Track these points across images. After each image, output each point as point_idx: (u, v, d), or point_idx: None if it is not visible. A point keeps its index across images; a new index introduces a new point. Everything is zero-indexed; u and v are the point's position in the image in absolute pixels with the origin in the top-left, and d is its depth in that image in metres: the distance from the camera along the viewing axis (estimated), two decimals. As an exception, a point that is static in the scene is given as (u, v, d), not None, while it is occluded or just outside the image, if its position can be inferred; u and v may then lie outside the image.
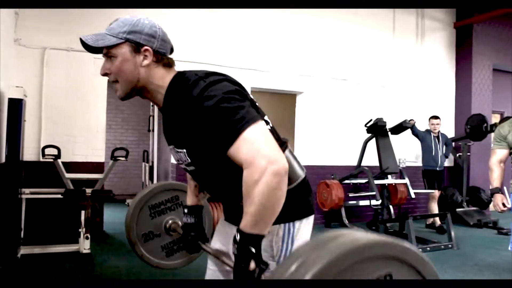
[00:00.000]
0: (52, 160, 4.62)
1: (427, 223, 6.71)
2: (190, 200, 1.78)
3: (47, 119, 5.22)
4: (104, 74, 1.42)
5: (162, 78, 1.41)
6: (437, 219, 6.41)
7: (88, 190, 4.44)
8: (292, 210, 1.45)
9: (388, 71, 7.35)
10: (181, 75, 1.41)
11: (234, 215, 1.56)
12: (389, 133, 6.33)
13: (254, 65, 6.28)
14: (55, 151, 4.63)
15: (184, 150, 1.42)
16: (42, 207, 4.94)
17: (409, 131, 6.48)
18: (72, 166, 5.09)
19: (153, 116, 8.35)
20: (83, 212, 4.72)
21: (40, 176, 5.03)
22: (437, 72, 7.89)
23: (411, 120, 6.35)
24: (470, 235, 6.24)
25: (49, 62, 5.22)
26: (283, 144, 1.47)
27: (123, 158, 4.81)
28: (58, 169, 4.68)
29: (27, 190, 4.60)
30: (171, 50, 1.46)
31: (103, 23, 5.39)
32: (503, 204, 3.50)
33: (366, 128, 6.31)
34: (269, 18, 6.35)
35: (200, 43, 5.99)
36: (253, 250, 1.22)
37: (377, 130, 6.21)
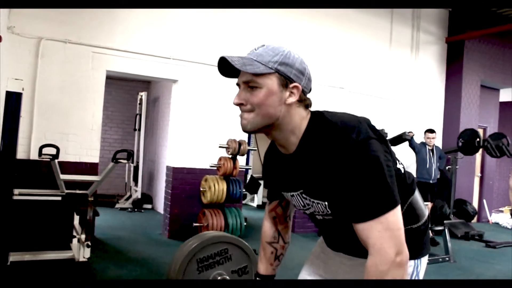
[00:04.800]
0: (49, 160, 4.28)
1: (417, 234, 6.76)
2: (263, 268, 1.61)
3: (40, 114, 4.87)
4: (239, 104, 1.25)
5: (301, 119, 1.27)
6: (429, 231, 6.46)
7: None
8: (420, 247, 1.44)
9: (384, 82, 7.39)
10: (323, 118, 1.27)
11: (344, 247, 1.48)
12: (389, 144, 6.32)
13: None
14: (53, 151, 4.30)
15: (326, 203, 1.28)
16: (31, 210, 4.58)
17: (405, 142, 6.52)
18: (64, 167, 4.75)
19: (140, 115, 8.08)
20: (77, 217, 4.44)
21: (28, 175, 4.68)
22: (428, 85, 8.01)
23: (410, 132, 6.38)
24: (460, 247, 6.33)
25: (44, 54, 4.87)
26: (414, 180, 1.44)
27: (125, 161, 4.53)
28: (54, 170, 4.34)
29: (16, 191, 4.25)
30: (310, 91, 1.31)
31: (103, 14, 5.19)
32: None
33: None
34: (266, 24, 6.19)
35: (202, 43, 5.79)
36: None
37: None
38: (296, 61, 1.23)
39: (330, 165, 1.19)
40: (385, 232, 1.13)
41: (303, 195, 1.33)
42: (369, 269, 1.15)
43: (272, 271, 1.62)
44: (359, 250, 1.37)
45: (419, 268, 1.43)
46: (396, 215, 1.16)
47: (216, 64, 1.26)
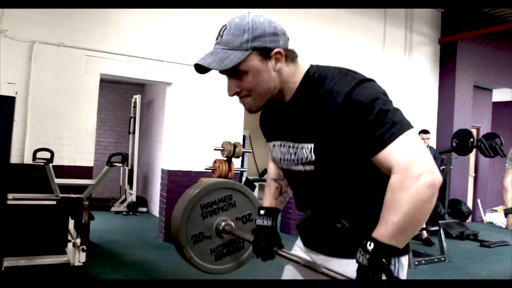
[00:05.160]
0: (43, 164, 4.25)
1: (412, 234, 6.79)
2: (268, 201, 1.62)
3: (33, 118, 4.83)
4: (234, 94, 1.24)
5: (293, 73, 1.27)
6: (424, 231, 6.48)
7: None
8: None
9: (378, 83, 7.39)
10: (318, 69, 1.26)
11: (319, 240, 1.41)
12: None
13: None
14: (47, 155, 4.27)
15: (311, 145, 1.23)
16: (25, 214, 4.55)
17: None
18: (58, 170, 4.71)
19: (135, 118, 8.05)
20: (72, 221, 4.41)
21: (22, 180, 4.65)
22: (422, 86, 8.05)
23: (404, 133, 6.40)
24: (455, 247, 6.35)
25: (37, 57, 4.83)
26: None
27: (120, 164, 4.51)
28: (48, 174, 4.32)
29: (10, 195, 4.22)
30: (288, 39, 1.29)
31: (96, 17, 5.15)
32: None
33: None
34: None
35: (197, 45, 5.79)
36: (386, 263, 1.08)
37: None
38: (264, 26, 1.20)
39: (330, 105, 1.16)
40: (409, 150, 1.06)
41: (288, 142, 1.32)
42: (391, 186, 1.05)
43: (276, 204, 1.61)
44: (337, 245, 1.33)
45: (398, 265, 1.31)
46: (414, 135, 1.09)
47: (195, 69, 1.25)
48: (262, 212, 1.59)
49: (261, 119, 1.52)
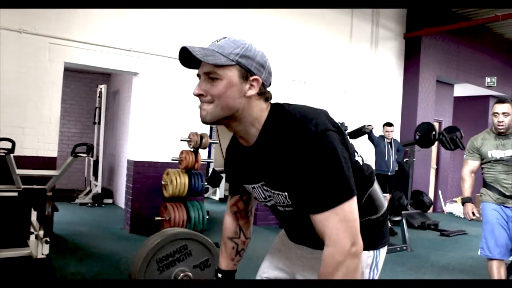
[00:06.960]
0: (4, 154, 4.12)
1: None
2: (224, 263, 1.62)
3: (-7, 107, 4.68)
4: (199, 95, 1.25)
5: (260, 111, 1.28)
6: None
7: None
8: (379, 238, 1.47)
9: (345, 76, 7.53)
10: (282, 110, 1.28)
11: (304, 236, 1.48)
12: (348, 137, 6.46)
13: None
14: (8, 145, 4.14)
15: (286, 193, 1.29)
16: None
17: (365, 135, 6.68)
18: (20, 161, 4.59)
19: (100, 108, 7.90)
20: (35, 213, 4.31)
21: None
22: (387, 80, 8.24)
23: (369, 125, 6.54)
24: (417, 236, 6.57)
25: (-3, 44, 4.68)
26: (373, 172, 1.48)
27: (85, 155, 4.42)
28: (9, 165, 4.19)
29: (-33, 187, 4.08)
30: (270, 84, 1.33)
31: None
32: (473, 213, 3.68)
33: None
34: (227, 17, 6.18)
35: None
36: None
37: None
38: (257, 54, 1.25)
39: (289, 156, 1.20)
40: (341, 223, 1.16)
41: (264, 187, 1.35)
42: (326, 259, 1.18)
43: (233, 266, 1.62)
44: (321, 242, 1.39)
45: (378, 259, 1.45)
46: (352, 206, 1.18)
47: (178, 57, 1.25)
48: (219, 275, 1.61)
49: (228, 165, 1.52)
